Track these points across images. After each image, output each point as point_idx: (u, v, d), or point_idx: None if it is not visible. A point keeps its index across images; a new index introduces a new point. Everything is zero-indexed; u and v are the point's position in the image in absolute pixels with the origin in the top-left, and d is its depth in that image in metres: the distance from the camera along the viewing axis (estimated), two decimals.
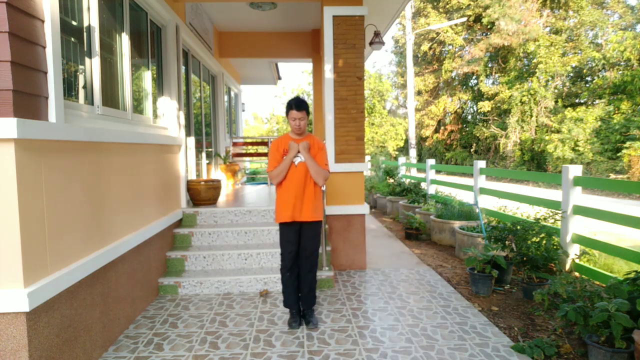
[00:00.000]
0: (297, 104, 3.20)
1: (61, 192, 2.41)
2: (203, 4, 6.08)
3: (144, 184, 3.70)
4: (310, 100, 23.09)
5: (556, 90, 19.92)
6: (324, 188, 4.29)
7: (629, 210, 8.60)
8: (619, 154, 15.29)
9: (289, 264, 3.30)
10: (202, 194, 5.06)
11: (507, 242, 4.28)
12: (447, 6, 24.25)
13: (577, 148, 17.13)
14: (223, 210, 4.90)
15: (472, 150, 24.63)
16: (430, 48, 26.01)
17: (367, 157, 16.30)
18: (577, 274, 4.35)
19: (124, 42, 3.58)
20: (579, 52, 19.98)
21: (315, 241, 3.33)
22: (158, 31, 4.56)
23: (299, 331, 3.22)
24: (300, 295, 3.37)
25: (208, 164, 6.94)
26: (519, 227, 4.28)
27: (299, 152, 3.22)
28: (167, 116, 4.64)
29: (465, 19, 20.27)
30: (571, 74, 20.42)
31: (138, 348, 2.97)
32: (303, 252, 3.32)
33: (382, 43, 5.99)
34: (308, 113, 3.26)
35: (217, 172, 7.52)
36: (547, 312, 3.54)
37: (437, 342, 3.01)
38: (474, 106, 25.46)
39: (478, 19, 22.84)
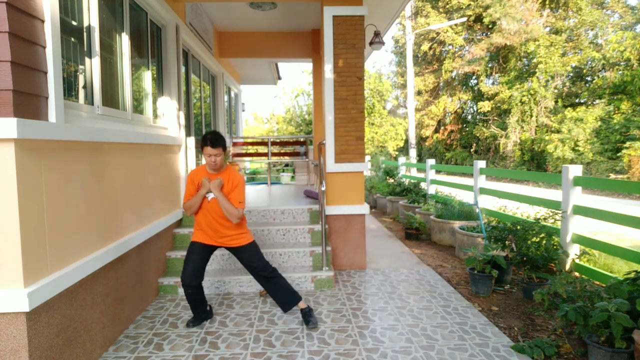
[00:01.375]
0: (212, 141, 3.04)
1: (61, 192, 2.41)
2: (203, 4, 6.08)
3: (144, 184, 3.70)
4: (310, 100, 23.09)
5: (556, 90, 19.92)
6: (323, 188, 4.29)
7: (629, 210, 8.60)
8: (619, 154, 15.29)
9: (187, 281, 3.18)
10: None
11: (507, 242, 4.28)
12: (447, 6, 24.25)
13: (577, 148, 17.13)
14: None
15: (472, 150, 24.63)
16: (430, 48, 26.01)
17: (367, 157, 16.30)
18: (577, 274, 4.35)
19: (124, 42, 3.58)
20: (579, 52, 19.98)
21: (256, 258, 3.29)
22: (158, 31, 4.56)
23: (299, 331, 3.22)
24: (277, 300, 3.37)
25: None
26: (519, 227, 4.28)
27: (210, 190, 3.14)
28: (167, 116, 4.64)
29: (465, 18, 20.27)
30: (571, 74, 20.42)
31: (138, 348, 2.98)
32: (254, 271, 3.32)
33: (382, 43, 5.99)
34: (224, 149, 3.15)
35: None
36: (547, 312, 3.54)
37: (437, 342, 3.01)
38: (474, 106, 25.47)
39: (478, 18, 22.84)
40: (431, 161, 9.03)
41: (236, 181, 3.20)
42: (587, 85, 20.01)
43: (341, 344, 2.99)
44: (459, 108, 26.51)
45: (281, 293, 3.35)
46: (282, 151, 9.10)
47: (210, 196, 3.17)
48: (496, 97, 21.63)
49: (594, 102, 18.99)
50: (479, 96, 23.92)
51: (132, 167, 3.44)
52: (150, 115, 4.20)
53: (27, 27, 2.15)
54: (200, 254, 3.26)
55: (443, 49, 26.00)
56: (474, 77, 25.12)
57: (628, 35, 17.40)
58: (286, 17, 6.72)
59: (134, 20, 3.85)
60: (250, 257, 3.30)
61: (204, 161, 3.28)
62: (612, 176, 14.98)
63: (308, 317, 3.31)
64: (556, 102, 19.85)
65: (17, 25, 2.07)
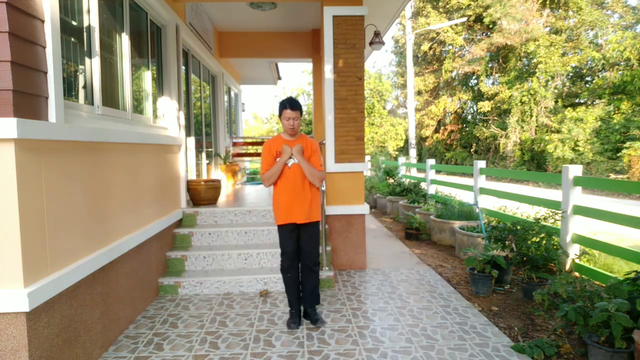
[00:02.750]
0: (291, 103, 3.15)
1: (61, 192, 2.41)
2: (203, 4, 6.07)
3: (144, 184, 3.70)
4: (310, 100, 23.08)
5: (556, 90, 19.92)
6: (323, 188, 4.29)
7: (629, 210, 8.60)
8: (619, 154, 15.29)
9: (287, 265, 3.29)
10: (202, 194, 5.06)
11: (507, 242, 4.28)
12: (447, 6, 24.25)
13: (577, 148, 17.13)
14: (223, 210, 4.90)
15: (472, 150, 24.63)
16: (430, 48, 26.00)
17: (367, 157, 16.29)
18: (577, 274, 4.35)
19: (124, 42, 3.58)
20: (579, 52, 19.98)
21: (312, 242, 3.31)
22: (158, 31, 4.56)
23: (299, 331, 3.22)
24: (303, 295, 3.36)
25: (208, 164, 6.94)
26: (519, 227, 4.28)
27: (292, 155, 3.19)
28: (167, 116, 4.64)
29: (465, 18, 20.28)
30: (571, 74, 20.42)
31: (138, 348, 2.97)
32: (302, 254, 3.31)
33: (382, 43, 5.99)
34: (301, 113, 3.23)
35: (217, 172, 7.52)
36: (547, 312, 3.54)
37: (437, 342, 3.01)
38: (474, 106, 25.47)
39: (478, 18, 22.84)
40: (431, 161, 9.03)
41: (314, 146, 3.30)
42: (587, 85, 20.01)
43: (341, 344, 2.99)
44: (459, 108, 26.51)
45: (312, 288, 3.34)
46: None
47: (291, 162, 3.20)
48: (496, 97, 21.63)
49: (594, 102, 18.98)
50: (479, 96, 23.91)
51: (132, 167, 3.44)
52: (150, 115, 4.20)
53: (27, 27, 2.15)
54: (290, 234, 3.26)
55: (443, 49, 26.00)
56: (474, 77, 25.12)
57: (628, 35, 17.39)
58: (286, 17, 6.72)
59: (134, 20, 3.85)
60: (311, 238, 3.29)
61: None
62: (612, 176, 14.98)
63: (313, 315, 3.32)
64: (556, 102, 19.85)
65: (17, 25, 2.07)
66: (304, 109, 23.25)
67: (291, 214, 3.23)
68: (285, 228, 3.27)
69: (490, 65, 23.09)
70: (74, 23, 2.86)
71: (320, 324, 3.26)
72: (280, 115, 3.22)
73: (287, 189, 3.21)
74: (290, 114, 3.15)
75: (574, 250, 4.48)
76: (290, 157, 3.20)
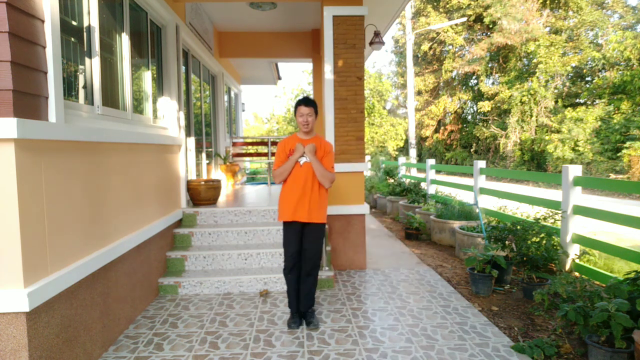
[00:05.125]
0: (305, 100, 3.25)
1: (61, 192, 2.41)
2: (203, 4, 6.07)
3: (144, 184, 3.70)
4: None
5: (556, 90, 19.92)
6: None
7: (629, 210, 8.60)
8: (619, 154, 15.28)
9: (290, 265, 3.30)
10: (202, 194, 5.06)
11: (507, 242, 4.28)
12: (447, 6, 24.25)
13: (577, 148, 17.13)
14: (223, 210, 4.90)
15: (472, 150, 24.62)
16: (430, 48, 26.00)
17: (367, 157, 16.30)
18: (577, 274, 4.35)
19: (124, 42, 3.58)
20: (579, 52, 19.98)
21: (316, 243, 3.31)
22: (158, 31, 4.56)
23: (299, 331, 3.22)
24: (300, 296, 3.37)
25: (208, 164, 6.94)
26: (519, 227, 4.28)
27: (304, 153, 3.22)
28: (167, 116, 4.64)
29: (465, 18, 20.27)
30: (571, 74, 20.42)
31: (138, 348, 2.97)
32: (304, 254, 3.31)
33: (382, 43, 5.99)
34: (316, 111, 3.28)
35: (217, 172, 7.52)
36: (547, 312, 3.54)
37: (437, 342, 3.01)
38: (474, 106, 25.47)
39: (478, 18, 22.84)
40: (431, 161, 9.03)
41: (328, 147, 3.33)
42: (587, 85, 20.01)
43: (341, 344, 2.99)
44: (459, 108, 26.51)
45: (309, 290, 3.33)
46: None
47: (303, 160, 3.22)
48: (496, 97, 21.62)
49: (594, 102, 18.98)
50: (479, 96, 23.91)
51: (132, 167, 3.44)
52: (150, 115, 4.20)
53: (27, 27, 2.15)
54: (295, 234, 3.27)
55: (443, 49, 25.99)
56: (474, 77, 25.12)
57: (628, 35, 17.39)
58: (286, 17, 6.72)
59: (134, 20, 3.85)
60: (315, 239, 3.29)
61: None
62: (612, 176, 14.98)
63: (310, 317, 3.31)
64: (556, 102, 19.85)
65: (17, 25, 2.07)
66: None
67: (296, 212, 3.23)
68: (290, 227, 3.28)
69: (490, 65, 23.09)
70: (74, 23, 2.86)
71: (313, 326, 3.25)
72: (295, 113, 3.29)
73: (296, 186, 3.22)
74: (304, 110, 3.22)
75: (574, 250, 4.48)
76: (303, 156, 3.22)
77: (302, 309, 3.36)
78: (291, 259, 3.29)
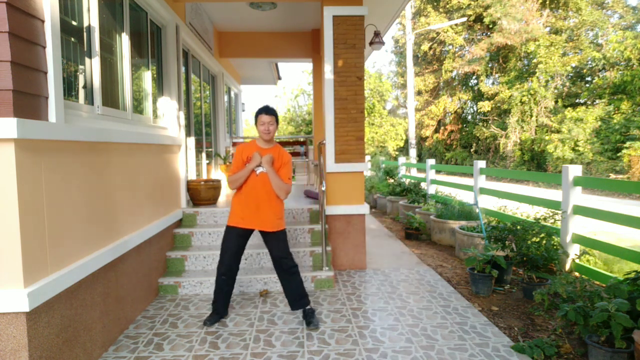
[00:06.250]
0: (266, 109, 3.22)
1: (61, 192, 2.41)
2: (203, 4, 6.07)
3: (143, 184, 3.70)
4: (310, 100, 23.07)
5: (556, 90, 19.92)
6: (323, 188, 4.29)
7: (629, 210, 8.60)
8: (619, 154, 15.29)
9: (225, 269, 3.27)
10: (202, 194, 5.06)
11: (507, 242, 4.28)
12: (447, 6, 24.25)
13: (577, 148, 17.13)
14: (223, 210, 4.90)
15: (472, 150, 24.63)
16: (430, 48, 26.01)
17: (367, 157, 16.30)
18: (577, 274, 4.35)
19: (124, 42, 3.58)
20: (579, 52, 19.98)
21: (282, 247, 3.31)
22: (158, 31, 4.56)
23: (299, 331, 3.22)
24: (290, 298, 3.37)
25: (208, 164, 6.94)
26: (518, 227, 4.28)
27: (261, 163, 3.18)
28: (167, 116, 4.64)
29: (465, 18, 20.27)
30: (571, 74, 20.42)
31: (138, 348, 2.97)
32: (279, 261, 3.32)
33: (382, 43, 5.99)
34: (277, 120, 3.26)
35: (217, 172, 7.52)
36: (547, 312, 3.54)
37: (437, 342, 3.01)
38: (474, 106, 25.47)
39: (478, 18, 22.84)
40: (431, 161, 9.02)
41: (286, 158, 3.30)
42: (587, 85, 20.01)
43: (341, 344, 2.99)
44: (459, 108, 26.51)
45: (295, 291, 3.35)
46: None
47: (259, 170, 3.20)
48: (496, 97, 21.63)
49: (594, 102, 18.99)
50: (479, 96, 23.92)
51: (132, 167, 3.44)
52: (150, 115, 4.20)
53: (27, 27, 2.15)
54: (237, 241, 3.28)
55: (443, 49, 26.00)
56: (474, 77, 25.12)
57: (628, 35, 17.39)
58: (286, 17, 6.72)
59: (134, 20, 3.85)
60: (280, 245, 3.30)
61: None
62: (612, 176, 14.98)
63: (310, 317, 3.31)
64: (556, 102, 19.85)
65: (17, 25, 2.07)
66: (304, 109, 23.25)
67: (248, 220, 3.24)
68: (235, 232, 3.28)
69: (490, 65, 23.10)
70: (74, 23, 2.86)
71: (313, 326, 3.25)
72: (256, 121, 3.24)
73: (251, 196, 3.21)
74: (265, 119, 3.19)
75: (574, 250, 4.48)
76: (260, 165, 3.19)
77: (296, 308, 3.38)
78: (227, 265, 3.27)
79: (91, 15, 3.01)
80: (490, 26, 21.80)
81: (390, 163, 12.30)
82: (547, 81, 19.69)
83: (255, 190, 3.21)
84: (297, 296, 3.35)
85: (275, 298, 3.93)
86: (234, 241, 3.29)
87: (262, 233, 3.32)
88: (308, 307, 3.37)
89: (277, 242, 3.31)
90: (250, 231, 3.34)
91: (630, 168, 14.08)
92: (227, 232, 3.31)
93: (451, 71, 25.08)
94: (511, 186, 15.66)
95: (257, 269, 4.30)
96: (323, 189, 4.27)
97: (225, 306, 3.43)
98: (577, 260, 4.40)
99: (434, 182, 8.81)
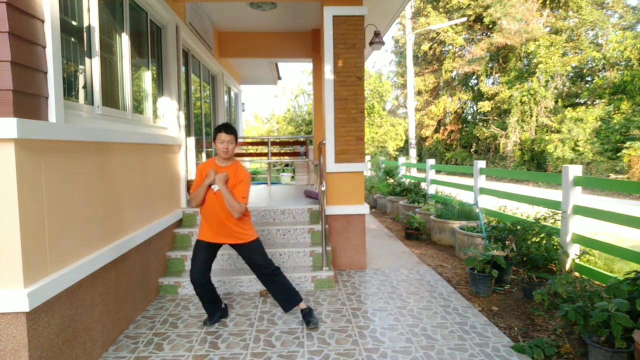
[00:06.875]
0: (225, 127, 3.19)
1: (61, 192, 2.41)
2: (203, 4, 6.07)
3: (143, 184, 3.70)
4: (310, 100, 23.07)
5: (556, 90, 19.92)
6: (323, 188, 4.29)
7: (629, 210, 8.60)
8: (619, 154, 15.29)
9: (195, 279, 3.25)
10: None
11: (507, 242, 4.28)
12: (447, 6, 24.25)
13: (577, 148, 17.13)
14: None
15: (472, 150, 24.63)
16: (430, 48, 26.01)
17: (367, 157, 16.30)
18: (577, 274, 4.35)
19: (124, 42, 3.58)
20: (579, 52, 19.98)
21: (257, 257, 3.30)
22: (158, 31, 4.56)
23: (299, 331, 3.22)
24: (280, 300, 3.37)
25: None
26: (519, 227, 4.28)
27: (214, 181, 3.16)
28: (167, 116, 4.64)
29: (465, 18, 20.28)
30: (571, 74, 20.42)
31: (138, 348, 2.98)
32: (257, 269, 3.32)
33: (382, 43, 5.99)
34: (236, 138, 3.24)
35: None
36: (547, 312, 3.54)
37: (437, 342, 3.01)
38: (474, 106, 25.47)
39: (478, 18, 22.84)
40: (431, 161, 9.02)
41: (241, 176, 3.23)
42: (587, 85, 20.01)
43: (341, 344, 2.99)
44: (459, 108, 26.51)
45: (283, 293, 3.35)
46: (282, 151, 9.10)
47: (216, 188, 3.19)
48: (496, 97, 21.63)
49: (594, 102, 18.98)
50: (479, 96, 23.92)
51: (132, 167, 3.44)
52: (150, 115, 4.20)
53: (27, 27, 2.15)
54: (205, 251, 3.28)
55: (443, 49, 26.00)
56: (474, 77, 25.12)
57: (628, 35, 17.39)
58: (286, 17, 6.72)
59: (134, 20, 3.85)
60: (254, 255, 3.30)
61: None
62: (612, 176, 14.98)
63: (308, 317, 3.31)
64: (556, 102, 19.85)
65: (17, 25, 2.07)
66: (304, 109, 23.24)
67: (213, 236, 3.24)
68: (202, 244, 3.28)
69: (490, 65, 23.09)
70: (74, 23, 2.86)
71: (313, 326, 3.25)
72: (214, 139, 3.21)
73: (212, 213, 3.21)
74: (224, 137, 3.16)
75: (574, 250, 4.48)
76: (214, 183, 3.17)
77: (285, 309, 3.38)
78: (196, 274, 3.25)
79: (91, 15, 3.01)
80: (490, 26, 21.80)
81: (390, 163, 12.29)
82: (547, 81, 19.69)
83: (214, 207, 3.19)
84: (285, 297, 3.35)
85: None
86: (203, 253, 3.28)
87: (233, 246, 3.31)
88: (305, 306, 3.37)
89: (249, 253, 3.30)
90: (218, 245, 3.34)
91: (630, 168, 14.08)
92: (196, 244, 3.31)
93: (451, 71, 25.08)
94: (511, 186, 15.66)
95: None
96: (323, 189, 4.27)
97: (215, 306, 3.39)
98: (577, 260, 4.40)
99: (434, 182, 8.81)
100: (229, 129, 3.19)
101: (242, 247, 3.30)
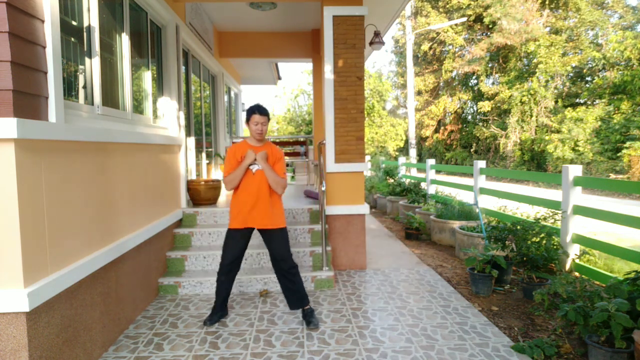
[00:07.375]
0: (259, 109, 3.24)
1: (61, 192, 2.41)
2: (203, 4, 6.07)
3: (143, 184, 3.70)
4: (310, 100, 23.08)
5: (556, 90, 19.92)
6: (323, 188, 4.29)
7: (629, 210, 8.61)
8: (619, 154, 15.29)
9: (226, 270, 3.30)
10: (202, 194, 5.06)
11: (507, 242, 4.28)
12: (447, 6, 24.26)
13: (577, 148, 17.13)
14: (223, 210, 4.90)
15: (472, 150, 24.63)
16: (430, 48, 26.01)
17: (367, 157, 16.30)
18: (577, 274, 4.35)
19: (124, 42, 3.58)
20: (579, 52, 19.98)
21: (283, 247, 3.31)
22: (158, 31, 4.56)
23: (299, 331, 3.22)
24: (289, 299, 3.37)
25: (208, 164, 6.94)
26: (519, 227, 4.28)
27: (255, 160, 3.20)
28: (167, 116, 4.64)
29: (465, 18, 20.27)
30: (571, 74, 20.42)
31: (138, 348, 2.97)
32: (278, 260, 3.31)
33: (382, 43, 5.99)
34: (269, 119, 3.29)
35: (217, 172, 7.52)
36: (547, 312, 3.54)
37: (437, 342, 3.01)
38: (474, 106, 25.48)
39: (478, 18, 22.84)
40: (431, 161, 9.02)
41: (279, 154, 3.34)
42: (587, 85, 20.01)
43: (341, 344, 2.99)
44: (459, 108, 26.51)
45: (294, 291, 3.34)
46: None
47: (255, 168, 3.22)
48: (496, 97, 21.63)
49: (594, 102, 18.99)
50: (479, 96, 23.92)
51: (132, 167, 3.44)
52: (150, 115, 4.20)
53: (27, 27, 2.15)
54: (238, 242, 3.30)
55: (443, 49, 26.00)
56: (474, 77, 25.12)
57: (628, 35, 17.39)
58: (286, 17, 6.72)
59: (134, 20, 3.85)
60: (280, 244, 3.30)
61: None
62: (612, 176, 14.98)
63: (309, 317, 3.31)
64: (556, 102, 19.85)
65: (17, 25, 2.07)
66: (304, 109, 23.26)
67: (250, 219, 3.25)
68: (238, 233, 3.29)
69: (490, 65, 23.10)
70: (74, 23, 2.86)
71: (313, 326, 3.25)
72: (248, 120, 3.25)
73: (249, 194, 3.22)
74: (258, 119, 3.21)
75: (574, 250, 4.48)
76: (254, 163, 3.21)
77: (295, 308, 3.38)
78: (229, 265, 3.29)
79: (91, 15, 3.01)
80: (490, 26, 21.80)
81: (390, 163, 12.30)
82: (547, 81, 19.69)
83: (252, 188, 3.22)
84: (297, 297, 3.34)
85: (275, 298, 3.93)
86: (235, 244, 3.30)
87: (262, 232, 3.32)
88: (307, 307, 3.37)
89: (278, 242, 3.30)
90: (251, 230, 3.34)
91: (630, 168, 14.08)
92: (228, 235, 3.32)
93: (451, 71, 25.08)
94: (511, 186, 15.66)
95: (257, 269, 4.30)
96: (323, 189, 4.27)
97: (224, 304, 3.44)
98: (577, 260, 4.40)
99: (434, 182, 8.81)
100: (263, 110, 3.24)
101: (272, 233, 3.28)
